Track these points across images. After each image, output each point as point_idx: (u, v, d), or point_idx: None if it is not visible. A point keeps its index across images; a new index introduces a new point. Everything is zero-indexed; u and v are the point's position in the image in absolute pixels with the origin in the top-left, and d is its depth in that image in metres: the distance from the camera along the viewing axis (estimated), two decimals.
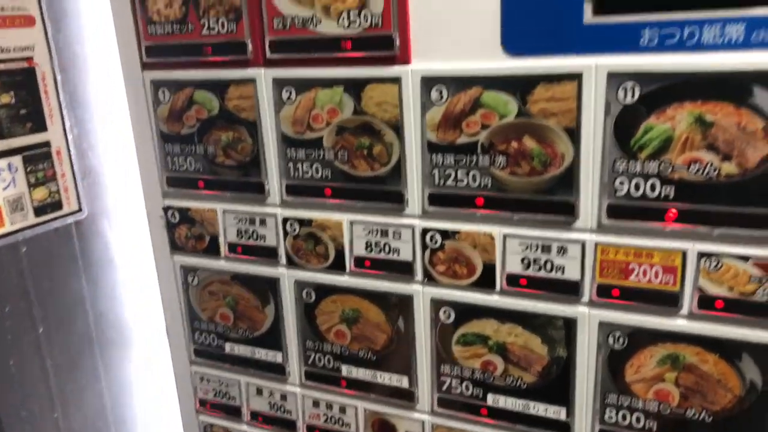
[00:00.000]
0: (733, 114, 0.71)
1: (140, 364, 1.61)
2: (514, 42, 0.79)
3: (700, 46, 0.71)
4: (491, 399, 0.94)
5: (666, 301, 0.80)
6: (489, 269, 0.89)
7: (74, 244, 1.62)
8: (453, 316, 0.94)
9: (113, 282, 1.66)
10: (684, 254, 0.78)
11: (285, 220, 1.01)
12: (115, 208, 1.64)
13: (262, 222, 1.04)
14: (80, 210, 1.61)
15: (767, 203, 0.72)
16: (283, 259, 1.04)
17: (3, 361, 1.45)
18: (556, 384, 0.89)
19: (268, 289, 1.07)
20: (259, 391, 1.14)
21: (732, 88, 0.71)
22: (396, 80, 0.87)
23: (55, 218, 1.54)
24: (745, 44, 0.69)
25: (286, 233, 1.02)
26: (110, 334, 1.63)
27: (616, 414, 0.86)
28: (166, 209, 1.12)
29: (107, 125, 1.54)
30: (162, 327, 1.35)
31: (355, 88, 0.90)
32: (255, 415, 1.15)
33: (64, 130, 1.55)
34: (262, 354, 1.11)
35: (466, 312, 0.93)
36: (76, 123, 1.55)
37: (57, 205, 1.55)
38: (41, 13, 1.30)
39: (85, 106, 1.51)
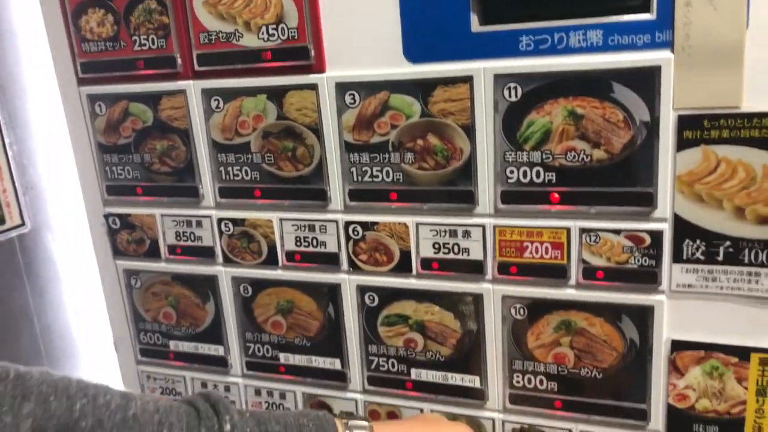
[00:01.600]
0: (599, 107, 0.83)
1: (89, 371, 1.65)
2: (413, 51, 0.90)
3: (568, 50, 0.82)
4: (414, 373, 1.03)
5: (556, 273, 0.91)
6: (405, 255, 0.99)
7: (17, 258, 1.65)
8: (377, 300, 1.03)
9: (58, 293, 1.70)
10: (568, 231, 0.89)
11: (220, 221, 1.09)
12: (57, 221, 1.68)
13: (199, 224, 1.11)
14: (23, 224, 1.64)
15: (631, 183, 0.84)
16: (220, 258, 1.11)
17: None
18: (470, 355, 0.99)
19: (207, 286, 1.14)
20: (204, 385, 1.21)
21: (595, 84, 0.82)
22: (313, 87, 0.96)
23: None
24: (604, 47, 0.81)
25: (221, 233, 1.10)
26: (58, 344, 1.66)
27: (523, 378, 0.97)
28: (107, 216, 1.18)
29: (46, 141, 1.59)
30: (109, 332, 1.40)
31: (277, 95, 0.99)
32: None
33: (4, 147, 1.58)
34: (205, 349, 1.18)
35: (388, 295, 1.02)
36: (16, 140, 1.59)
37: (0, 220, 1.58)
38: None
39: (24, 124, 1.55)
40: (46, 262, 1.67)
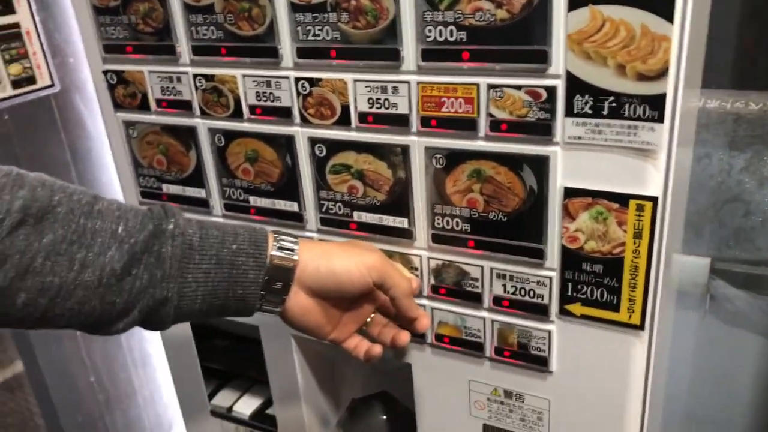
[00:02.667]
0: None
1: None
2: None
3: None
4: (356, 216, 1.19)
5: (468, 126, 1.01)
6: (345, 109, 1.11)
7: (54, 113, 1.87)
8: (324, 150, 1.16)
9: (88, 147, 1.92)
10: (478, 87, 0.98)
11: (195, 77, 1.23)
12: (85, 84, 1.87)
13: (178, 79, 1.26)
14: (53, 85, 1.85)
15: (529, 42, 0.92)
16: (197, 111, 1.27)
17: None
18: (400, 200, 1.13)
19: (190, 137, 1.31)
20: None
21: None
22: None
23: (31, 91, 1.78)
24: None
25: (197, 88, 1.24)
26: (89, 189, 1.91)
27: (442, 220, 1.10)
28: (105, 72, 1.34)
29: (67, 7, 1.75)
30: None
31: None
32: None
33: (32, 12, 1.76)
34: (190, 192, 1.36)
35: (333, 147, 1.15)
36: (42, 6, 1.77)
37: (31, 80, 1.79)
38: None
39: None
40: (76, 119, 1.89)
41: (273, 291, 0.95)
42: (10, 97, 1.69)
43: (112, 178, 1.93)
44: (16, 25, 1.70)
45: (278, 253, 0.94)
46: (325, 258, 0.98)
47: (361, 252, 1.02)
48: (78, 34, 1.51)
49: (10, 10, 1.68)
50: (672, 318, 1.48)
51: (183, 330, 1.56)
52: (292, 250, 0.96)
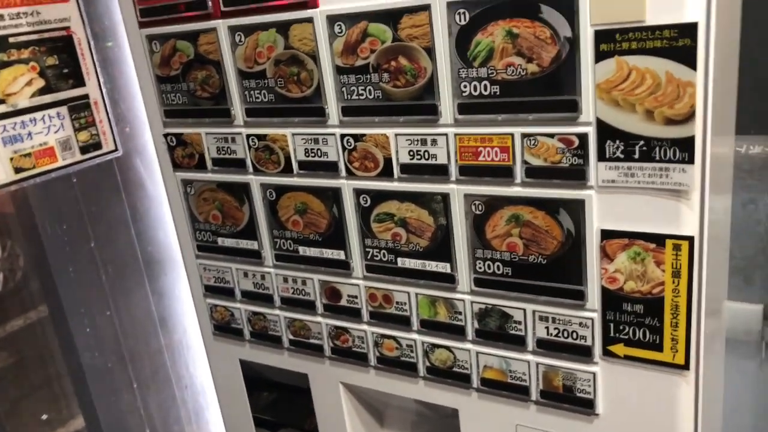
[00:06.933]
0: (530, 26, 0.96)
1: (177, 273, 2.00)
2: None
3: None
4: (400, 262, 1.23)
5: (505, 173, 1.06)
6: (388, 162, 1.18)
7: (116, 175, 2.00)
8: (369, 201, 1.23)
9: (147, 207, 2.05)
10: (512, 136, 1.03)
11: (248, 137, 1.33)
12: (144, 148, 2.01)
13: (233, 140, 1.35)
14: (116, 150, 1.99)
15: (560, 92, 0.97)
16: (250, 168, 1.36)
17: (64, 268, 1.86)
18: (442, 246, 1.17)
19: (243, 192, 1.39)
20: (245, 274, 1.48)
21: (527, 6, 0.95)
22: (310, 20, 1.16)
23: (97, 156, 1.92)
24: None
25: (249, 147, 1.33)
26: (149, 249, 2.02)
27: (483, 264, 1.14)
28: (166, 135, 1.45)
29: (130, 80, 1.90)
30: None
31: (284, 28, 1.19)
32: (244, 294, 1.50)
33: (99, 85, 1.92)
34: (243, 244, 1.44)
35: (377, 197, 1.22)
36: (108, 79, 1.92)
37: (98, 146, 1.93)
38: None
39: (115, 65, 1.87)
40: (137, 180, 2.02)
41: None
42: (79, 162, 1.83)
43: (169, 235, 2.04)
44: (86, 96, 1.85)
45: None
46: None
47: None
48: (140, 102, 1.64)
49: (81, 83, 1.84)
50: (723, 364, 1.45)
51: (235, 382, 1.62)
52: None
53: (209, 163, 1.41)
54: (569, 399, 1.13)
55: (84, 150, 1.91)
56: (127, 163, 2.04)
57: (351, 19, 1.11)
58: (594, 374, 1.09)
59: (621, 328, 1.04)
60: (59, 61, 1.72)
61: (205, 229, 1.50)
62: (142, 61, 1.42)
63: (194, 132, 1.41)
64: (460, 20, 1.01)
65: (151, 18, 1.36)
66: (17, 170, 1.62)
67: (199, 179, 1.45)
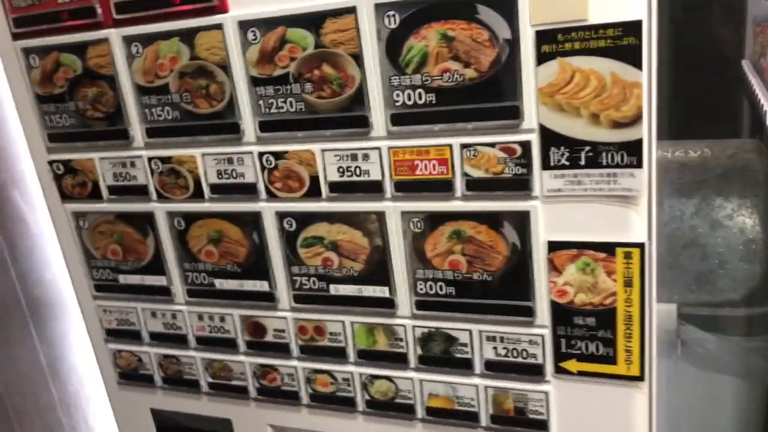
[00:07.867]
0: (466, 28, 0.90)
1: (69, 317, 1.77)
2: None
3: None
4: (333, 289, 1.13)
5: (444, 187, 0.99)
6: (315, 180, 1.07)
7: None
8: (294, 224, 1.12)
9: (30, 245, 1.81)
10: (451, 147, 0.97)
11: (150, 160, 1.18)
12: (23, 177, 1.78)
13: (132, 164, 1.20)
14: None
15: (500, 98, 0.92)
16: (154, 195, 1.20)
17: None
18: (379, 268, 1.08)
19: (147, 222, 1.23)
20: (153, 314, 1.31)
21: (462, 7, 0.89)
22: (219, 26, 1.04)
23: None
24: None
25: (152, 171, 1.18)
26: (35, 292, 1.78)
27: (425, 285, 1.06)
28: (51, 162, 1.27)
29: (2, 100, 1.67)
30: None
31: (189, 37, 1.06)
32: (153, 336, 1.33)
33: None
34: (149, 280, 1.28)
35: (304, 219, 1.11)
36: None
37: None
38: None
39: None
40: (15, 215, 1.78)
41: None
42: None
43: (57, 275, 1.81)
44: None
45: None
46: None
47: None
48: (14, 125, 1.44)
49: None
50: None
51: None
52: None
53: (105, 192, 1.24)
54: (521, 422, 1.07)
55: None
56: (2, 196, 1.79)
57: (266, 24, 1.01)
58: (546, 393, 1.04)
59: (573, 343, 1.00)
60: None
61: (103, 266, 1.32)
62: (18, 78, 1.23)
63: (86, 157, 1.23)
64: (389, 23, 0.94)
65: (27, 28, 1.18)
66: None
67: (93, 210, 1.27)
